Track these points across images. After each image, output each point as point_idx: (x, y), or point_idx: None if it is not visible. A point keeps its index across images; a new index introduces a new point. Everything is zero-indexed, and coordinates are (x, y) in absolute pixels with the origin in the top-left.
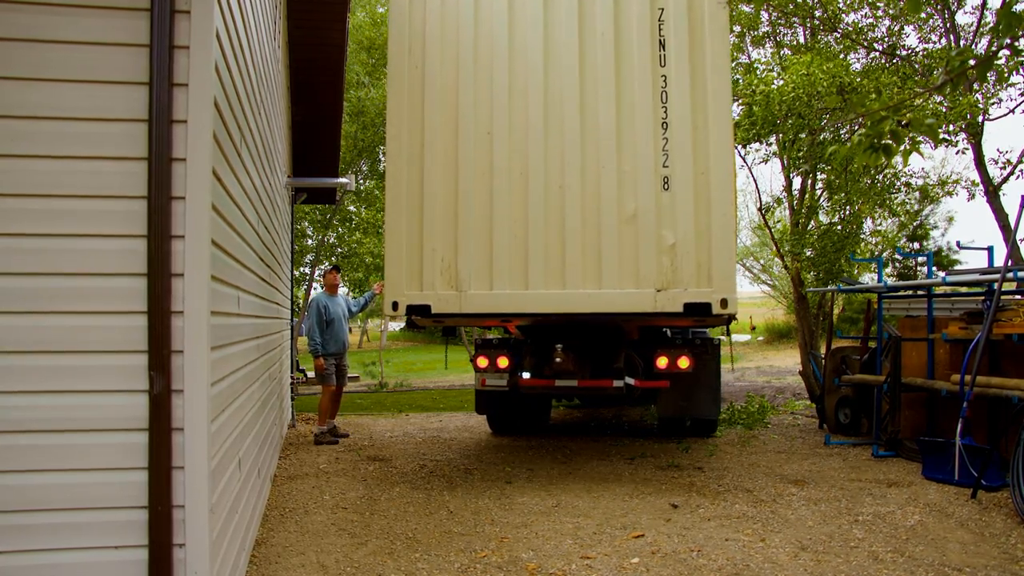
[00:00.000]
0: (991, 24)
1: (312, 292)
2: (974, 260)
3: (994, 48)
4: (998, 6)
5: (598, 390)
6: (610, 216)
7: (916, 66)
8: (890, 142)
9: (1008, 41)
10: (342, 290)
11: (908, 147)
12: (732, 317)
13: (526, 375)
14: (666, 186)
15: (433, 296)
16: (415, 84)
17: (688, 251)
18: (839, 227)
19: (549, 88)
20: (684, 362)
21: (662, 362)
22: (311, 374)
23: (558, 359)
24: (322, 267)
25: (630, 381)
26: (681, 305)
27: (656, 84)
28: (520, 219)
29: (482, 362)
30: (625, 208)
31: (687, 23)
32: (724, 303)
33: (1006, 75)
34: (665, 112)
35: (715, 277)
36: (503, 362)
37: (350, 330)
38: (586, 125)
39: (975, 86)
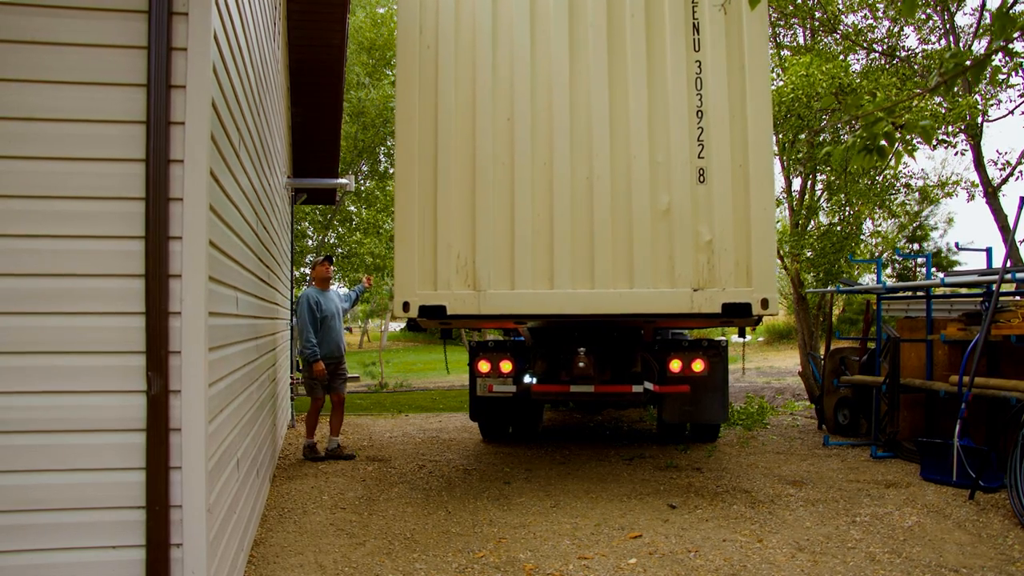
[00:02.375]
0: (990, 24)
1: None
2: (973, 261)
3: (992, 50)
4: (996, 7)
5: (616, 396)
6: (642, 210)
7: (916, 67)
8: (884, 144)
9: (1002, 43)
10: (343, 290)
11: (902, 149)
12: (760, 319)
13: (535, 380)
14: (702, 178)
15: (448, 296)
16: (427, 65)
17: (726, 248)
18: (839, 228)
19: (575, 71)
20: (699, 365)
21: (675, 365)
22: None
23: (580, 363)
24: None
25: (649, 386)
26: (719, 306)
27: (690, 70)
28: (544, 212)
29: (483, 366)
30: (658, 201)
31: (722, 4)
32: (765, 303)
33: (999, 78)
34: (700, 100)
35: (755, 276)
36: (506, 366)
37: (349, 330)
38: (615, 112)
39: (974, 87)
